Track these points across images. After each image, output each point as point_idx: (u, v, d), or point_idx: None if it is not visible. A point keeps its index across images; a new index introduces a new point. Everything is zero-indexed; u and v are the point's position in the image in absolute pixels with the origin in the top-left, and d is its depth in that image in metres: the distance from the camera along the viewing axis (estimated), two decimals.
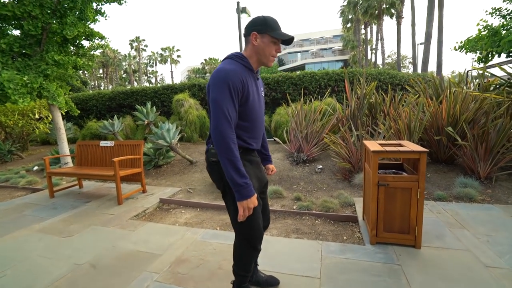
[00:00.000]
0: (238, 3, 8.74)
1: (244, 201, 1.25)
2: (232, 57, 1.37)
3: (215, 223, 3.00)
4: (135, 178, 4.01)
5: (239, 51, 1.50)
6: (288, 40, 1.37)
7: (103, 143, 4.22)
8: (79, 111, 5.84)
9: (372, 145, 2.31)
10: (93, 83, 45.93)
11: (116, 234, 2.76)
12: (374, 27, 28.28)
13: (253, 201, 1.27)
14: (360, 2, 24.92)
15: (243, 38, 1.53)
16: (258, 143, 1.53)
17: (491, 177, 3.52)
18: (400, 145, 2.31)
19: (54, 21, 4.54)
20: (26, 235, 2.83)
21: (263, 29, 1.32)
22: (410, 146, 2.20)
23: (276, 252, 2.26)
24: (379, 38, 26.73)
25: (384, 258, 2.07)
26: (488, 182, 3.48)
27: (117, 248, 2.46)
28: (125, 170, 3.77)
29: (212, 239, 2.56)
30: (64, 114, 5.88)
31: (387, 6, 23.49)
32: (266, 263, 2.07)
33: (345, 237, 2.54)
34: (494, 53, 4.54)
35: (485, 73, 4.69)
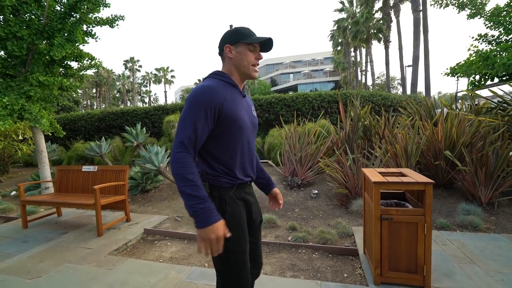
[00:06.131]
0: (231, 26, 8.89)
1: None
2: (210, 75, 1.23)
3: (203, 258, 2.72)
4: (119, 206, 3.73)
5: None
6: (267, 44, 1.23)
7: (85, 168, 3.96)
8: (64, 133, 5.59)
9: (373, 174, 2.15)
10: (85, 102, 45.69)
11: (90, 274, 2.46)
12: (363, 50, 29.35)
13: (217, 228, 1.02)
14: (349, 27, 26.00)
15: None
16: (253, 171, 1.33)
17: (493, 202, 3.37)
18: (402, 174, 2.16)
19: (43, 42, 4.41)
20: None
21: (235, 39, 1.19)
22: (413, 176, 2.04)
23: None
24: (369, 60, 27.66)
25: None
26: (491, 208, 3.33)
27: None
28: (108, 198, 3.49)
29: (199, 279, 2.29)
30: (50, 135, 5.61)
31: (375, 31, 24.54)
32: None
33: (345, 275, 2.31)
34: (487, 76, 4.59)
35: (475, 96, 4.71)
